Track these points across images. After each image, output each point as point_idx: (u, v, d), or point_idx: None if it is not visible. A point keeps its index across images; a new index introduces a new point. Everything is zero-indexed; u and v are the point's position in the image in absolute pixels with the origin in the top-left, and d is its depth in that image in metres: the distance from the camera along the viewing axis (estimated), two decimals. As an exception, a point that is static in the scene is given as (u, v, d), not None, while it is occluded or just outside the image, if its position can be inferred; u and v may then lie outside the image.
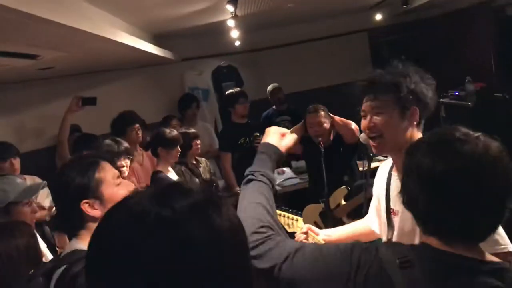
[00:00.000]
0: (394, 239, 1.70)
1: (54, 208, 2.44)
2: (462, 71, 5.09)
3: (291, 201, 4.29)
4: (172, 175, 3.57)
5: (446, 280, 1.05)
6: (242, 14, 4.22)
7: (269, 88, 5.54)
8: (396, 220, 1.71)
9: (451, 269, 1.06)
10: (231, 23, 3.99)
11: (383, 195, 1.78)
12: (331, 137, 3.66)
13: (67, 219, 1.52)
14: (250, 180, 1.41)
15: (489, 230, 1.10)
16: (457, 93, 4.89)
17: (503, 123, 4.53)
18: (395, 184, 1.71)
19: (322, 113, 3.60)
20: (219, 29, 4.87)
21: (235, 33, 4.64)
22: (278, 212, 2.71)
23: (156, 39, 4.97)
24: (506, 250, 1.46)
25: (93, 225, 1.40)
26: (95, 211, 1.48)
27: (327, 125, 3.59)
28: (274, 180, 1.46)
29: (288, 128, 5.51)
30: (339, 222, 3.51)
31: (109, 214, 0.76)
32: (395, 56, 6.18)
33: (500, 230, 1.44)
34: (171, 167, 3.61)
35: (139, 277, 0.67)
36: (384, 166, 1.90)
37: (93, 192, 1.50)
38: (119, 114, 4.03)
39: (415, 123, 1.65)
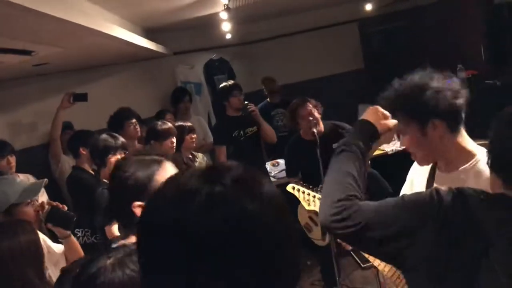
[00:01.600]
0: None
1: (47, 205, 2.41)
2: (454, 59, 5.12)
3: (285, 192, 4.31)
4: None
5: None
6: (234, 6, 4.21)
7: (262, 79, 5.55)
8: None
9: None
10: (223, 15, 3.98)
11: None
12: (323, 128, 3.68)
13: (118, 217, 1.48)
14: (342, 151, 1.42)
15: None
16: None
17: (495, 109, 4.57)
18: (439, 183, 1.62)
19: (310, 103, 3.62)
20: (211, 22, 4.85)
21: (227, 26, 4.62)
22: (297, 187, 2.73)
23: (148, 33, 4.94)
24: None
25: None
26: None
27: (317, 114, 3.61)
28: (366, 153, 1.43)
29: (283, 122, 5.52)
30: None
31: (159, 195, 0.76)
32: (386, 45, 6.27)
33: None
34: (167, 160, 3.61)
35: (190, 257, 0.67)
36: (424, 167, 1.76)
37: (149, 194, 1.44)
38: (117, 109, 4.02)
39: (446, 134, 1.53)
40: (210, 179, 0.72)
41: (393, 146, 4.48)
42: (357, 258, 4.47)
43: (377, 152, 2.46)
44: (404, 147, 1.66)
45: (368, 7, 5.89)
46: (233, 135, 4.43)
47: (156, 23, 4.80)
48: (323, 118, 3.78)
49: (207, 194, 0.70)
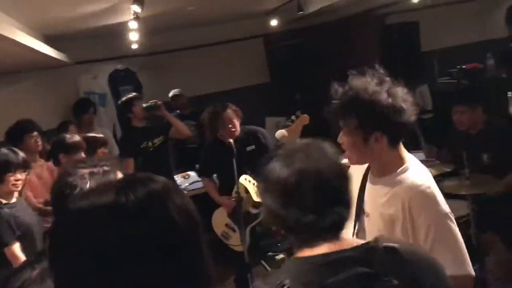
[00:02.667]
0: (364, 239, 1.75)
1: None
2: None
3: (198, 204, 4.28)
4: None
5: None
6: (143, 16, 4.13)
7: (170, 94, 5.47)
8: (366, 221, 1.75)
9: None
10: (133, 24, 3.89)
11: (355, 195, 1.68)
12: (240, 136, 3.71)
13: None
14: None
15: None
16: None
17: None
18: (370, 186, 1.75)
19: (230, 108, 3.65)
20: (117, 31, 4.72)
21: (134, 35, 4.52)
22: (249, 178, 2.69)
23: (48, 41, 4.67)
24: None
25: None
26: None
27: (236, 120, 3.64)
28: None
29: (193, 133, 5.49)
30: (247, 216, 3.59)
31: (72, 210, 0.74)
32: (290, 60, 6.52)
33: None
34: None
35: (94, 268, 0.67)
36: (358, 167, 1.82)
37: None
38: (16, 121, 3.75)
39: (387, 146, 1.61)
40: (122, 192, 0.72)
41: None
42: (266, 265, 4.57)
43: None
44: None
45: (273, 22, 6.09)
46: (141, 146, 4.33)
47: (59, 30, 4.56)
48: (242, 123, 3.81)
49: (119, 210, 0.70)
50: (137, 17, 3.75)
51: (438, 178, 3.48)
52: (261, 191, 1.23)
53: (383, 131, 1.58)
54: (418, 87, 6.35)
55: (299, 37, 6.44)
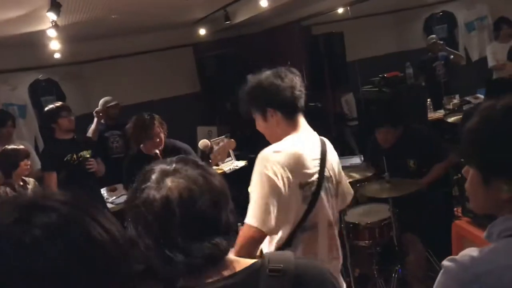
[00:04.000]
0: None
1: None
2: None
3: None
4: None
5: None
6: (64, 24, 3.98)
7: (103, 101, 5.20)
8: None
9: None
10: (51, 33, 3.73)
11: None
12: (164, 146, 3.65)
13: None
14: None
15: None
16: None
17: (318, 128, 5.07)
18: None
19: (157, 120, 3.58)
20: (37, 39, 4.51)
21: (55, 44, 4.34)
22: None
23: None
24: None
25: None
26: None
27: (163, 133, 3.58)
28: None
29: (119, 143, 5.35)
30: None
31: None
32: (220, 70, 6.54)
33: None
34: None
35: None
36: None
37: None
38: None
39: (281, 120, 1.88)
40: (19, 222, 0.64)
41: (230, 166, 4.65)
42: None
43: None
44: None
45: (202, 32, 6.09)
46: (65, 159, 4.14)
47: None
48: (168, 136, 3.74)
49: (15, 241, 0.63)
50: (56, 25, 3.60)
51: (363, 183, 3.63)
52: (128, 217, 1.10)
53: (272, 106, 1.87)
54: (343, 96, 6.58)
55: (228, 47, 6.48)
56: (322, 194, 1.85)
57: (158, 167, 1.12)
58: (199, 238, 1.05)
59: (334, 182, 1.92)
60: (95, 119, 4.86)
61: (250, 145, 2.83)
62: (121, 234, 0.72)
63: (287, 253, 1.16)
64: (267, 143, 1.91)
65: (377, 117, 4.28)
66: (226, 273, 1.08)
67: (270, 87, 1.86)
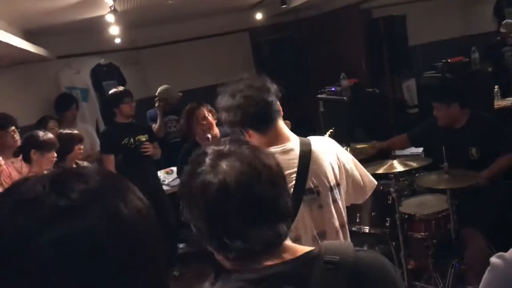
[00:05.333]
0: None
1: None
2: (337, 68, 5.43)
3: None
4: None
5: None
6: (122, 9, 4.07)
7: (161, 90, 5.28)
8: None
9: None
10: (110, 18, 3.83)
11: None
12: (218, 133, 3.67)
13: None
14: None
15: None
16: (333, 89, 5.21)
17: (375, 114, 4.93)
18: None
19: (205, 107, 3.61)
20: (98, 25, 4.64)
21: (114, 29, 4.45)
22: None
23: (27, 35, 4.60)
24: None
25: None
26: None
27: (212, 119, 3.59)
28: None
29: (176, 128, 5.46)
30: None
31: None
32: (275, 54, 6.48)
33: None
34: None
35: (26, 275, 0.59)
36: None
37: None
38: None
39: (256, 136, 1.85)
40: (57, 189, 0.63)
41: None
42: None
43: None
44: None
45: (258, 16, 6.05)
46: (122, 142, 4.26)
47: (37, 24, 4.49)
48: (218, 124, 3.77)
49: (50, 207, 0.61)
50: (114, 10, 3.69)
51: (423, 172, 3.47)
52: (183, 201, 1.07)
53: (246, 127, 1.86)
54: (404, 82, 6.32)
55: (284, 31, 6.40)
56: (302, 207, 1.77)
57: (211, 149, 1.08)
58: (258, 224, 1.01)
59: (325, 189, 1.82)
60: (159, 114, 4.95)
61: (304, 128, 2.82)
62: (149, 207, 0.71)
63: (346, 244, 1.10)
64: (318, 125, 1.85)
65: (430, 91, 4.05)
66: (281, 259, 1.03)
67: (227, 110, 1.83)
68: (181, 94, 5.32)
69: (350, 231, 1.99)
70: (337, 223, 1.85)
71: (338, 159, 1.92)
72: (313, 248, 1.08)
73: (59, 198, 0.62)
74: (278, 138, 1.85)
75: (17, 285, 0.59)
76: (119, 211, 0.65)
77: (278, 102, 1.92)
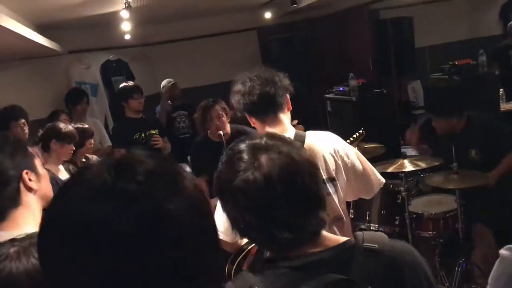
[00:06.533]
0: None
1: None
2: (345, 68, 5.47)
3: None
4: (63, 175, 3.37)
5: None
6: (135, 6, 4.11)
7: (164, 83, 5.41)
8: None
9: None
10: (124, 14, 3.87)
11: None
12: (229, 131, 3.71)
13: None
14: None
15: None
16: (341, 89, 5.24)
17: (383, 115, 4.98)
18: None
19: (220, 105, 3.65)
20: (109, 21, 4.69)
21: (126, 26, 4.50)
22: None
23: (41, 30, 4.64)
24: None
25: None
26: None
27: (225, 117, 3.64)
28: None
29: (185, 123, 5.53)
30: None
31: (64, 190, 0.69)
32: (283, 54, 6.51)
33: None
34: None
35: (105, 260, 0.62)
36: None
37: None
38: (2, 108, 3.71)
39: (257, 123, 2.05)
40: (121, 175, 0.66)
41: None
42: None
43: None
44: None
45: (267, 15, 6.09)
46: (134, 137, 4.31)
47: (50, 19, 4.52)
48: (231, 122, 3.81)
49: (119, 192, 0.64)
50: (129, 6, 3.74)
51: (428, 172, 3.51)
52: (221, 199, 1.11)
53: (252, 114, 2.03)
54: (410, 83, 6.37)
55: (292, 30, 6.44)
56: None
57: (246, 144, 1.11)
58: (303, 214, 1.05)
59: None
60: (161, 101, 5.03)
61: (311, 127, 2.86)
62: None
63: (381, 234, 1.15)
64: (326, 124, 1.94)
65: (438, 105, 4.08)
66: (320, 248, 1.08)
67: (236, 94, 2.02)
68: (176, 82, 5.39)
69: (359, 228, 2.03)
70: (330, 216, 1.89)
71: (336, 153, 1.96)
72: (348, 238, 1.13)
73: (127, 183, 0.65)
74: (276, 129, 1.96)
75: (96, 272, 0.62)
76: (182, 186, 0.69)
77: (288, 97, 2.05)
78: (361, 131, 3.33)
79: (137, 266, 0.62)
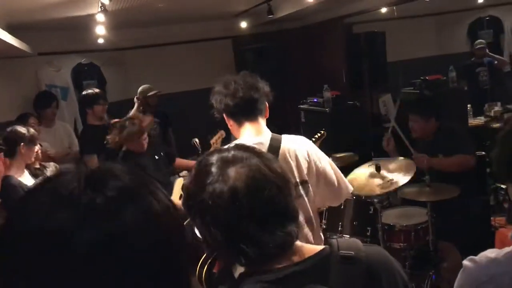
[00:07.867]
0: None
1: None
2: (319, 80, 5.52)
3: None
4: (28, 179, 3.27)
5: None
6: (112, 9, 4.04)
7: (142, 89, 5.23)
8: None
9: None
10: (100, 17, 3.80)
11: None
12: None
13: None
14: None
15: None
16: (316, 100, 5.29)
17: (356, 127, 5.05)
18: None
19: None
20: (82, 24, 4.60)
21: (101, 29, 4.42)
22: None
23: (10, 29, 4.50)
24: None
25: None
26: None
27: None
28: None
29: (156, 131, 5.52)
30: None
31: (29, 196, 0.66)
32: (257, 63, 6.53)
33: None
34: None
35: (63, 270, 0.59)
36: None
37: None
38: None
39: (233, 125, 2.10)
40: (91, 186, 0.63)
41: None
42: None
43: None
44: None
45: (243, 25, 6.10)
46: (104, 142, 4.23)
47: (21, 19, 4.40)
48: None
49: (85, 203, 0.61)
50: (104, 10, 3.67)
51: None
52: (189, 214, 1.09)
53: (228, 116, 2.08)
54: (381, 97, 6.48)
55: (268, 41, 6.47)
56: None
57: (216, 157, 1.10)
58: (270, 227, 1.04)
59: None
60: (135, 105, 4.93)
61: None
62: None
63: (355, 240, 1.15)
64: (299, 134, 2.10)
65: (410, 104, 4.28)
66: (295, 259, 1.07)
67: (217, 94, 2.04)
68: (158, 92, 5.25)
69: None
70: (301, 218, 1.90)
71: (308, 157, 2.03)
72: (323, 246, 1.12)
73: (95, 195, 0.62)
74: (253, 132, 2.03)
75: (55, 282, 0.59)
76: (152, 208, 0.66)
77: (267, 104, 2.10)
78: (322, 132, 3.45)
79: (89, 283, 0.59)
